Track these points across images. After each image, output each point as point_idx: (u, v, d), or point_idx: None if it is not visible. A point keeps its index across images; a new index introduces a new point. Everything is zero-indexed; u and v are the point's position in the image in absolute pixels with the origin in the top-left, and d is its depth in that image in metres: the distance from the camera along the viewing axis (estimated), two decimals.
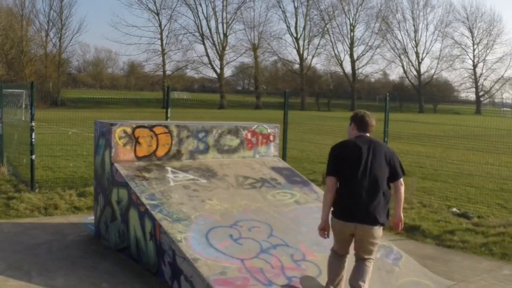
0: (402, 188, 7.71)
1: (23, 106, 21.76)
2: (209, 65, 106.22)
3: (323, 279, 8.08)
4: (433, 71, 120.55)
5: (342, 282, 7.62)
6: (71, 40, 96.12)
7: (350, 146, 7.57)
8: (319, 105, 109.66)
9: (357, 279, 7.34)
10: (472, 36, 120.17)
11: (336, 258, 7.64)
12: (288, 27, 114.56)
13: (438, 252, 10.93)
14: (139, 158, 10.28)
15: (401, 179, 7.68)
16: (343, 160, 7.48)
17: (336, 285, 7.58)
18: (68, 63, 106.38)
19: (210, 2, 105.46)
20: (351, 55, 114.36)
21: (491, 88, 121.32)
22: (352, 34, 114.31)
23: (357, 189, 7.32)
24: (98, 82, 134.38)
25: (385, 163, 7.49)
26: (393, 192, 7.60)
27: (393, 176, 7.58)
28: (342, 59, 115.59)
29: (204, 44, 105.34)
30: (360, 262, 7.50)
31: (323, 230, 7.49)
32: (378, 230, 7.40)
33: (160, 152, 10.54)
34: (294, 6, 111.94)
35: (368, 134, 7.70)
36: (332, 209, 7.48)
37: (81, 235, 11.06)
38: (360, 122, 7.70)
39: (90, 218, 11.86)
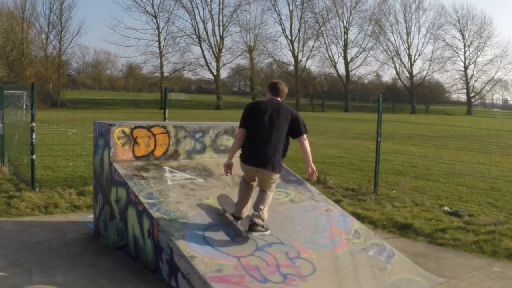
0: (306, 143, 8.90)
1: (24, 107, 21.73)
2: (205, 67, 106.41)
3: (316, 277, 8.12)
4: (425, 72, 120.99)
5: (249, 204, 9.07)
6: (70, 42, 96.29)
7: (260, 105, 9.07)
8: (313, 106, 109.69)
9: (258, 204, 8.76)
10: (463, 39, 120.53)
11: (244, 183, 9.12)
12: (283, 30, 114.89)
13: (430, 249, 10.93)
14: (137, 158, 10.27)
15: (304, 135, 8.89)
16: (252, 116, 8.89)
17: (244, 204, 9.04)
18: (67, 65, 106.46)
19: (207, 5, 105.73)
20: (345, 57, 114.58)
21: (481, 89, 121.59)
22: (345, 37, 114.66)
23: (259, 141, 8.70)
24: (97, 83, 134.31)
25: (285, 122, 8.78)
26: (300, 147, 8.83)
27: (296, 133, 8.87)
28: (336, 61, 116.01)
29: (201, 46, 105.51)
30: (262, 192, 8.91)
31: (227, 168, 9.23)
32: (275, 175, 8.81)
33: (158, 152, 10.54)
34: (289, 9, 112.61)
35: (279, 99, 9.09)
36: (240, 153, 9.00)
37: (80, 233, 11.04)
38: (273, 89, 9.17)
39: (90, 217, 11.85)
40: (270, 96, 9.13)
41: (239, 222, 9.03)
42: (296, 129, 8.83)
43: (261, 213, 8.65)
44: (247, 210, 9.05)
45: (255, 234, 8.60)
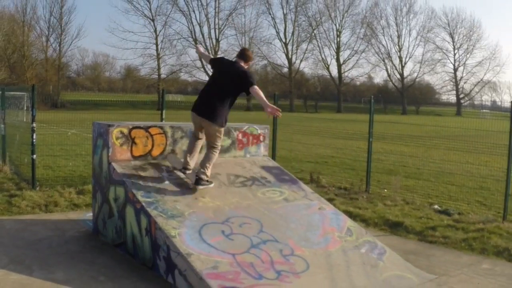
0: (254, 90, 9.43)
1: (25, 108, 21.64)
2: (202, 69, 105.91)
3: (309, 274, 8.14)
4: (415, 74, 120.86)
5: (195, 156, 10.06)
6: (70, 45, 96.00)
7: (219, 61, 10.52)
8: (307, 107, 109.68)
9: (204, 162, 9.78)
10: (453, 41, 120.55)
11: (193, 137, 10.15)
12: (278, 33, 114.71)
13: (420, 247, 10.95)
14: (135, 158, 10.27)
15: (254, 86, 9.45)
16: (213, 69, 10.23)
17: (190, 156, 9.96)
18: (67, 67, 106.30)
19: (203, 9, 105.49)
20: (338, 59, 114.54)
21: (471, 91, 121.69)
22: (338, 39, 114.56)
23: (205, 93, 9.80)
24: (96, 85, 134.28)
25: (233, 79, 9.61)
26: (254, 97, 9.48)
27: (245, 86, 9.54)
28: (328, 63, 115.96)
29: None
30: (208, 149, 9.93)
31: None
32: (216, 126, 9.63)
33: (155, 152, 10.54)
34: (283, 13, 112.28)
35: (242, 64, 9.96)
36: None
37: (80, 231, 11.04)
38: (239, 53, 10.30)
39: (89, 215, 11.84)
40: (235, 58, 10.21)
41: (187, 173, 9.90)
42: (245, 84, 9.54)
43: (206, 170, 9.72)
44: (193, 163, 9.98)
45: (200, 187, 9.63)
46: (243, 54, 10.15)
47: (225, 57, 10.61)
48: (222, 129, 9.86)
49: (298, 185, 11.15)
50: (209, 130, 9.69)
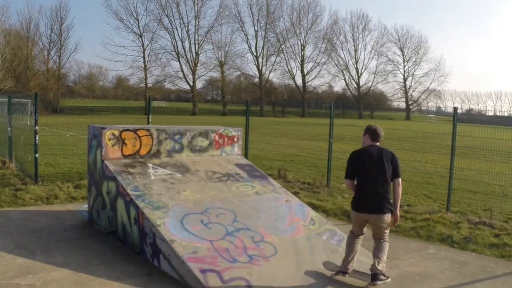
0: (400, 189, 7.80)
1: (28, 113, 21.47)
2: (183, 79, 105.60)
3: (278, 258, 8.12)
4: (370, 83, 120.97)
5: (356, 256, 7.91)
6: (68, 58, 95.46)
7: (364, 153, 7.85)
8: (275, 112, 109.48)
9: (376, 253, 7.65)
10: (403, 55, 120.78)
11: (352, 237, 7.98)
12: (249, 47, 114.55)
13: None
14: (125, 156, 10.21)
15: (399, 180, 7.81)
16: (360, 163, 7.75)
17: (351, 258, 7.86)
18: (66, 77, 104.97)
19: (185, 26, 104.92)
20: (302, 71, 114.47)
21: (418, 98, 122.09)
22: (302, 53, 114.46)
23: (370, 187, 7.64)
24: (91, 93, 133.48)
25: (389, 165, 7.74)
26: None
27: (394, 174, 7.79)
28: (294, 74, 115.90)
29: (179, 61, 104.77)
30: (378, 240, 7.84)
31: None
32: (387, 217, 7.68)
33: (143, 151, 10.48)
34: (255, 30, 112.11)
35: (378, 144, 7.97)
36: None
37: (77, 221, 10.95)
38: (373, 134, 7.99)
39: (85, 206, 11.76)
40: (370, 142, 7.98)
41: (346, 275, 7.85)
42: (395, 172, 7.79)
43: (382, 264, 7.65)
44: (352, 265, 7.90)
45: (379, 282, 7.53)
46: (378, 135, 8.06)
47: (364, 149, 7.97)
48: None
49: (268, 180, 11.14)
50: (380, 223, 7.72)
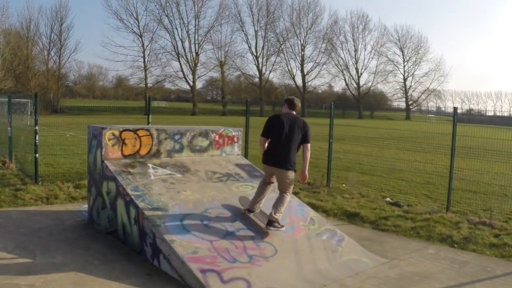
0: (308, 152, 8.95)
1: (28, 113, 21.51)
2: (183, 79, 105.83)
3: (277, 258, 8.13)
4: (370, 84, 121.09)
5: (262, 201, 9.29)
6: (68, 58, 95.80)
7: (279, 118, 8.99)
8: (275, 112, 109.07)
9: (277, 205, 8.86)
10: (403, 55, 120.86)
11: (263, 183, 9.36)
12: (249, 47, 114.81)
13: (374, 234, 10.98)
14: (125, 157, 10.20)
15: (308, 145, 8.98)
16: (273, 127, 8.97)
17: (258, 201, 9.24)
18: (66, 77, 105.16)
19: (185, 26, 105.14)
20: (302, 71, 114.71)
21: (418, 98, 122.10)
22: (302, 53, 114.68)
23: (277, 146, 8.86)
24: (91, 93, 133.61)
25: (298, 132, 8.90)
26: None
27: (304, 140, 8.96)
28: (294, 74, 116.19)
29: (179, 61, 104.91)
30: (281, 194, 9.05)
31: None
32: (290, 173, 8.93)
33: (143, 151, 10.47)
34: (255, 30, 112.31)
35: (294, 112, 9.15)
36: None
37: (76, 221, 10.93)
38: (290, 104, 9.15)
39: (84, 206, 11.74)
40: (287, 110, 9.15)
41: (252, 214, 9.26)
42: (304, 138, 8.96)
43: (279, 214, 8.85)
44: (259, 206, 9.29)
45: (272, 228, 8.76)
46: (295, 105, 9.23)
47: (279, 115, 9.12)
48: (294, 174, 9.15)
49: None
50: (284, 178, 8.96)
